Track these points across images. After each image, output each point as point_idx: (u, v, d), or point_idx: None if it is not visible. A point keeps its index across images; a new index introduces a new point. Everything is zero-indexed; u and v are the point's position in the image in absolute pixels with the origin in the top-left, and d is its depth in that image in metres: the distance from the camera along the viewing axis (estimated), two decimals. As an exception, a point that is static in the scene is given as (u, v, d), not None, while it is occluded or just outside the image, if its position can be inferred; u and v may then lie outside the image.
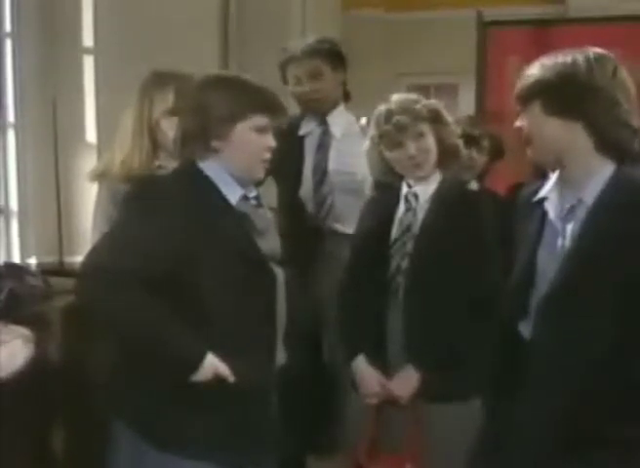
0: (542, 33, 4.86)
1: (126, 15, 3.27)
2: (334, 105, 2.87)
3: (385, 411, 2.29)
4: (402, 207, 2.35)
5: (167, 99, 2.36)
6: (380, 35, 5.73)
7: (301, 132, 2.87)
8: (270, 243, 1.96)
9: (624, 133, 1.81)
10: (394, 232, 2.33)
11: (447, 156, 2.37)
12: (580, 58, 1.82)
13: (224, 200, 1.90)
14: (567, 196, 1.85)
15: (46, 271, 2.92)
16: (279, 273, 1.96)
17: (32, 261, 3.07)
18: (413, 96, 2.41)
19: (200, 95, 1.94)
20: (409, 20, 5.71)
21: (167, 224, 1.79)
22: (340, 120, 2.86)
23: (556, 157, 1.85)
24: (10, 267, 2.80)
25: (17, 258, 3.09)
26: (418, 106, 2.33)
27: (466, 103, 5.40)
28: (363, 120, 2.74)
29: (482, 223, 2.29)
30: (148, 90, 2.44)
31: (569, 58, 1.83)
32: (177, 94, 2.34)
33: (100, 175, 2.49)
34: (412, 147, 2.31)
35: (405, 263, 2.29)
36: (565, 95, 1.80)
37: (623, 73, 1.83)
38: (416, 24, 5.68)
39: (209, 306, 1.82)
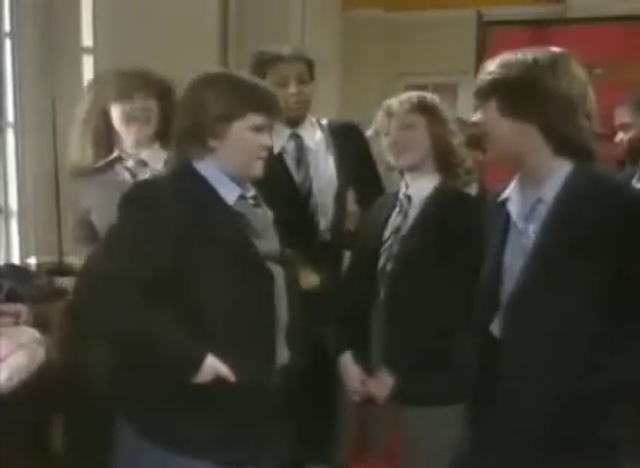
0: (542, 33, 4.87)
1: (126, 15, 3.27)
2: (304, 117, 2.79)
3: (370, 411, 2.28)
4: (397, 208, 2.35)
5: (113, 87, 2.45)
6: (380, 35, 5.72)
7: (276, 149, 2.66)
8: (269, 242, 1.95)
9: (582, 136, 1.78)
10: (385, 233, 2.33)
11: (442, 157, 2.34)
12: (540, 58, 1.78)
13: (221, 201, 1.89)
14: (527, 196, 1.84)
15: (46, 271, 2.93)
16: (278, 272, 1.95)
17: (32, 261, 3.07)
18: (421, 93, 2.40)
19: (196, 92, 1.92)
20: (409, 20, 5.69)
21: (163, 226, 1.79)
22: (310, 132, 2.79)
23: (512, 158, 1.84)
24: (10, 267, 2.81)
25: (17, 258, 3.09)
26: (412, 99, 2.33)
27: (466, 103, 5.40)
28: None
29: (469, 229, 2.15)
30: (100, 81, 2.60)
31: (529, 58, 1.79)
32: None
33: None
34: (396, 134, 2.32)
35: (389, 265, 2.28)
36: (520, 97, 1.77)
37: (582, 74, 1.80)
38: (416, 24, 5.66)
39: (206, 307, 1.81)
